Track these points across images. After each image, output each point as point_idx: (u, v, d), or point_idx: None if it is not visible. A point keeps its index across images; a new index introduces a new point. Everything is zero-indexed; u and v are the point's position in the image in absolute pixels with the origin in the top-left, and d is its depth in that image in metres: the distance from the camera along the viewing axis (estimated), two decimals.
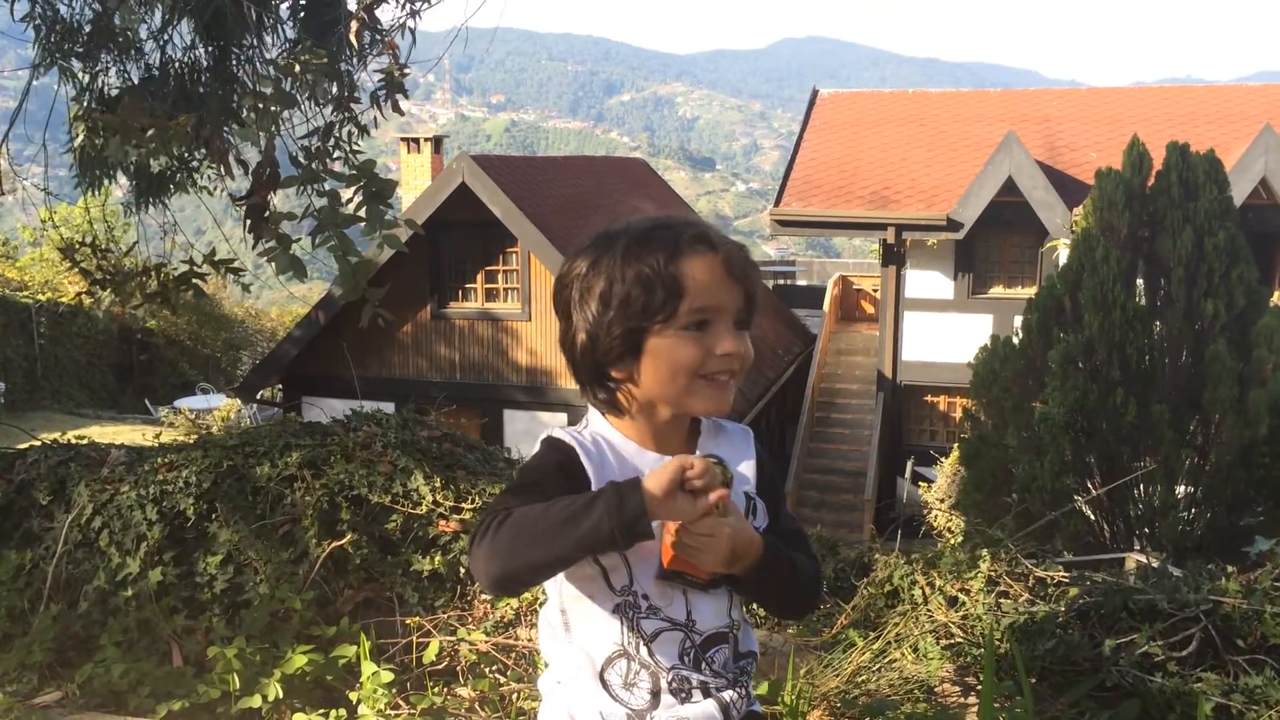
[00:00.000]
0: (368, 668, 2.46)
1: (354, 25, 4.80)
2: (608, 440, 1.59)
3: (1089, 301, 10.20)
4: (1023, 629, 2.35)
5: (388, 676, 2.45)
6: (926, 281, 17.32)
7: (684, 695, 1.58)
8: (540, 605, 1.70)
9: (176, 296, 4.85)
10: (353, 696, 2.49)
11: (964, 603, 2.55)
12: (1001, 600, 2.55)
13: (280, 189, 3.93)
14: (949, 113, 19.41)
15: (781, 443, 19.04)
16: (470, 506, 2.89)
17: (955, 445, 13.87)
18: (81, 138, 5.05)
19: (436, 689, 2.51)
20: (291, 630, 2.70)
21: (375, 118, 5.13)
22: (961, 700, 2.40)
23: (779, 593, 1.62)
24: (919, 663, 2.43)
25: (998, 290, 17.10)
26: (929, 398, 17.74)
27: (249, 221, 3.80)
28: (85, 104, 5.09)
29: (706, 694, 1.59)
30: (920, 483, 15.30)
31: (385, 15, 5.50)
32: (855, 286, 21.76)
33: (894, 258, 17.20)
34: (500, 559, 1.40)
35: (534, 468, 1.55)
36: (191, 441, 3.33)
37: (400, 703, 2.47)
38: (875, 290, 20.18)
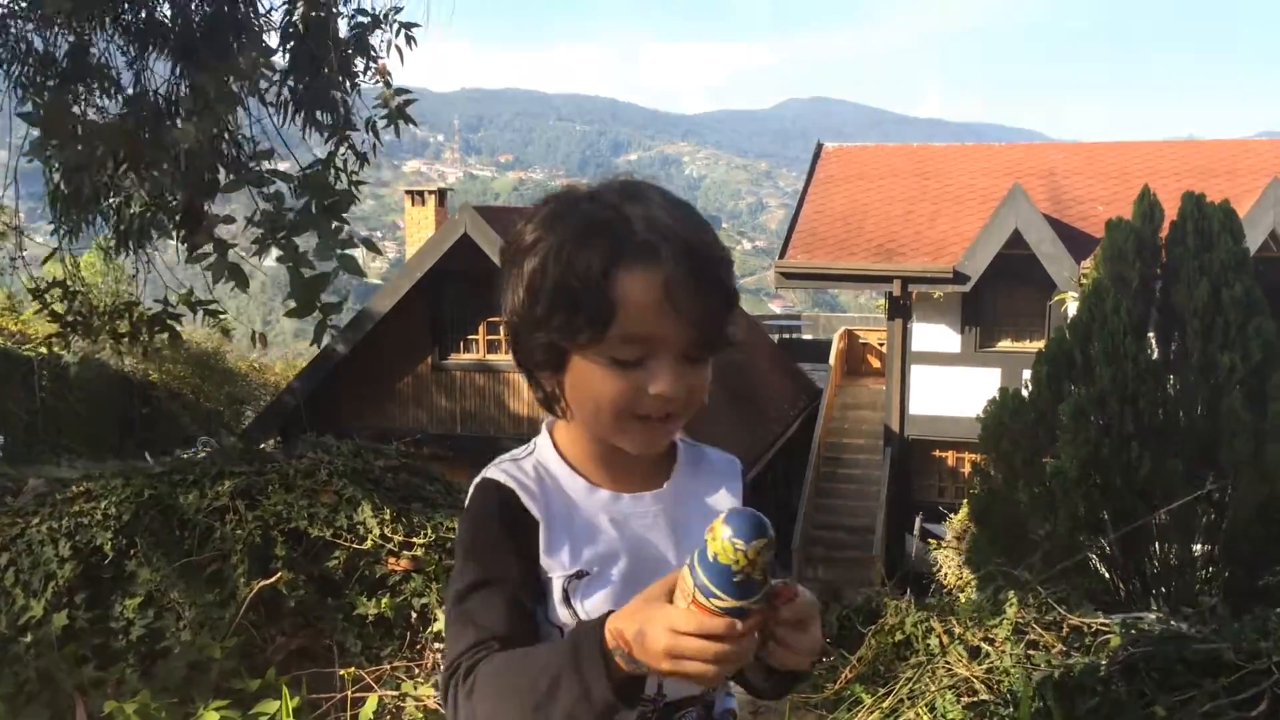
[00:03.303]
0: None
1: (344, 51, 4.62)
2: (551, 474, 1.29)
3: (1101, 353, 9.98)
4: (1059, 685, 2.02)
5: None
6: (933, 335, 17.08)
7: None
8: None
9: (150, 338, 4.58)
10: None
11: (988, 654, 2.21)
12: (1031, 652, 2.23)
13: (223, 193, 3.65)
14: (953, 166, 19.30)
15: (787, 499, 18.66)
16: (422, 541, 2.58)
17: (964, 501, 13.53)
18: (58, 178, 4.83)
19: None
20: (209, 683, 2.37)
21: (375, 145, 4.94)
22: None
23: (769, 680, 1.30)
24: None
25: (1005, 344, 16.84)
26: (937, 453, 17.39)
27: (183, 228, 3.52)
28: (59, 143, 4.88)
29: None
30: (929, 539, 14.91)
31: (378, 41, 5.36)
32: (861, 340, 21.52)
33: (900, 311, 16.97)
34: None
35: (470, 528, 1.28)
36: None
37: None
38: (881, 344, 19.94)
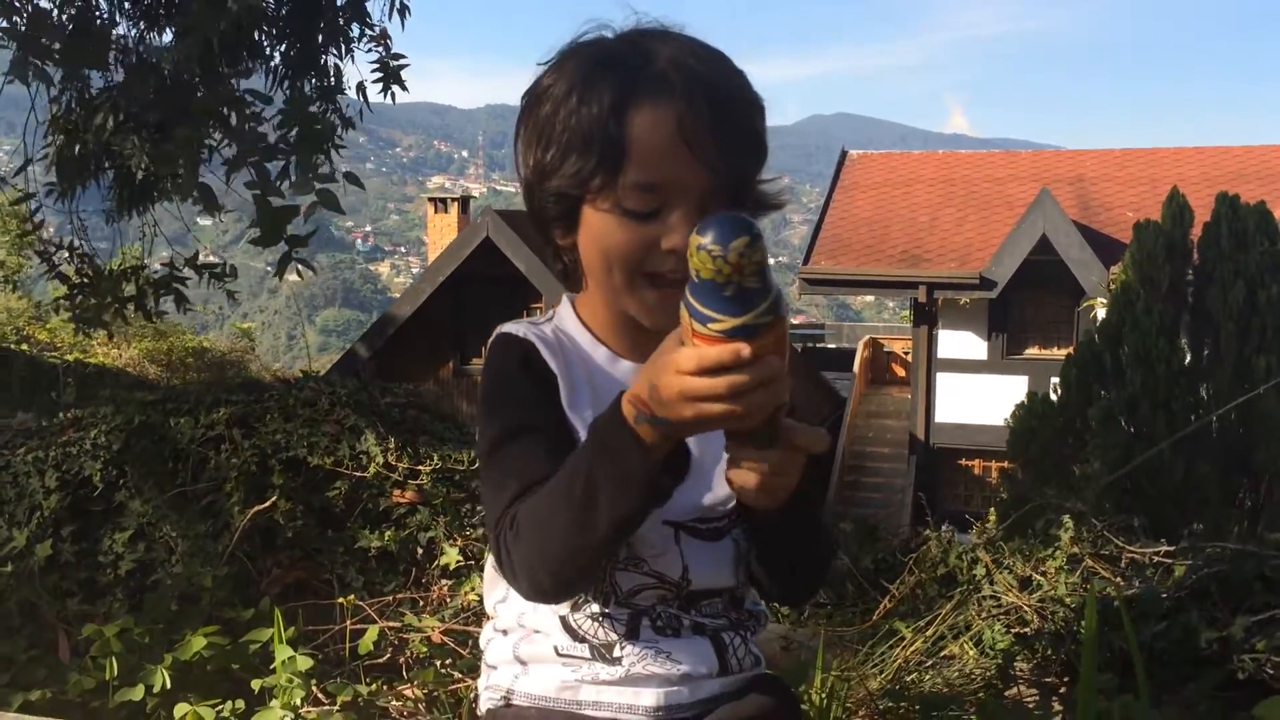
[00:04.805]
0: (282, 652, 2.00)
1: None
2: (571, 338, 1.18)
3: (1131, 357, 9.80)
4: (1120, 612, 1.85)
5: (306, 663, 1.97)
6: (959, 342, 16.88)
7: (670, 632, 1.17)
8: None
9: (155, 301, 4.50)
10: (256, 685, 2.02)
11: (1040, 584, 2.05)
12: (1087, 584, 2.06)
13: (195, 114, 3.52)
14: (979, 173, 19.11)
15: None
16: (429, 470, 2.44)
17: (991, 510, 13.32)
18: (60, 141, 4.77)
19: (374, 685, 2.04)
20: (199, 613, 2.24)
21: (362, 110, 4.86)
22: (1040, 702, 1.90)
23: (801, 547, 1.17)
24: (984, 659, 1.94)
25: (1033, 351, 16.63)
26: (963, 461, 17.16)
27: (148, 145, 3.40)
28: (64, 106, 4.84)
29: (700, 632, 1.18)
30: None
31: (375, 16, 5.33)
32: (885, 348, 21.32)
33: (925, 317, 16.79)
34: (539, 572, 1.05)
35: (495, 380, 1.18)
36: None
37: (320, 696, 2.00)
38: (906, 353, 19.74)
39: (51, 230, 5.08)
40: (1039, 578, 2.07)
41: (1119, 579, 2.09)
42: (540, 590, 1.07)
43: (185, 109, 3.52)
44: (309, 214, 3.37)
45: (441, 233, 21.16)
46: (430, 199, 22.59)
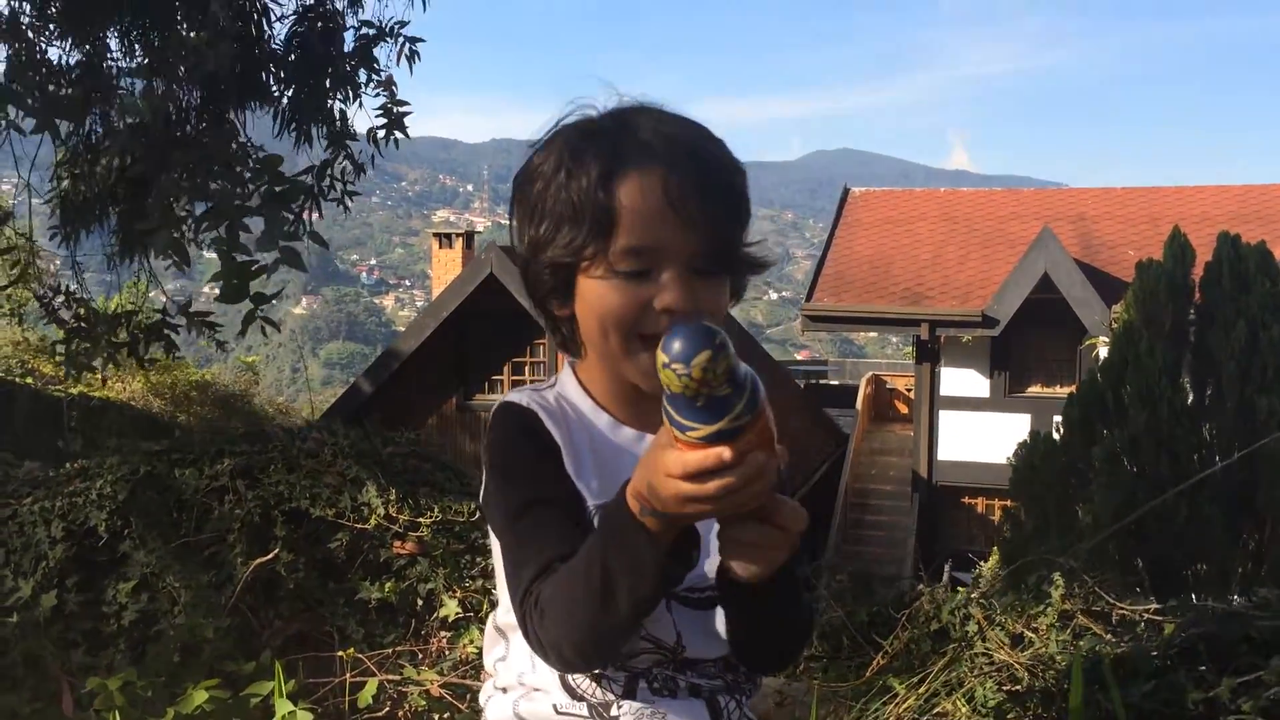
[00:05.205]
0: (282, 707, 2.02)
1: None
2: (574, 405, 1.22)
3: (1134, 396, 9.81)
4: (1111, 669, 1.87)
5: (306, 718, 2.00)
6: (962, 380, 16.89)
7: (667, 693, 1.20)
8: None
9: (146, 348, 4.55)
10: None
11: (1032, 641, 2.07)
12: (1079, 640, 2.08)
13: (174, 166, 3.56)
14: (981, 211, 19.20)
15: (813, 546, 18.40)
16: (429, 522, 2.47)
17: (995, 548, 13.27)
18: (65, 186, 4.82)
19: None
20: (201, 665, 2.26)
21: (374, 156, 4.92)
22: None
23: (777, 619, 1.18)
24: (977, 716, 1.95)
25: (1035, 389, 16.62)
26: (966, 499, 17.10)
27: (131, 200, 3.44)
28: (70, 152, 4.88)
29: (697, 694, 1.21)
30: (958, 588, 14.61)
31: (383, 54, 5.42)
32: (888, 385, 21.32)
33: (928, 355, 16.81)
34: (566, 650, 1.09)
35: (502, 451, 1.20)
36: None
37: None
38: (908, 390, 19.74)
39: (56, 265, 5.11)
40: (1030, 635, 2.09)
41: (1109, 636, 2.10)
42: (569, 665, 1.12)
43: (160, 158, 3.58)
44: (272, 270, 3.41)
45: (446, 268, 21.22)
46: (435, 234, 22.69)
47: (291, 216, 3.72)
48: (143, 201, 3.64)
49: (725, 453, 0.90)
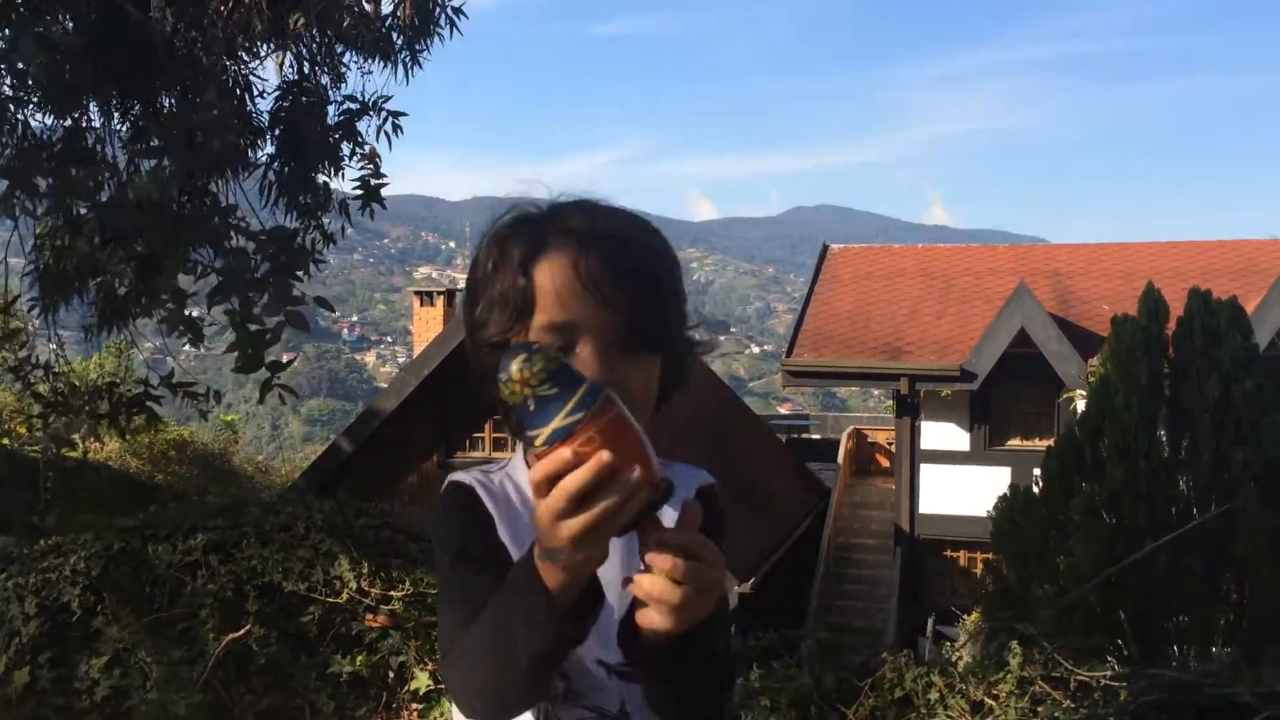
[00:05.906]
0: None
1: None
2: (518, 486, 1.28)
3: (1111, 450, 9.89)
4: None
5: None
6: (942, 433, 16.98)
7: None
8: None
9: (128, 420, 4.55)
10: None
11: (991, 708, 2.10)
12: (1038, 707, 2.11)
13: (184, 244, 3.62)
14: (958, 267, 19.43)
15: (796, 601, 18.30)
16: (400, 595, 2.49)
17: (978, 602, 13.27)
18: (46, 257, 4.83)
19: None
20: None
21: (344, 227, 4.97)
22: None
23: (688, 677, 1.14)
24: None
25: (1014, 442, 16.72)
26: (948, 552, 17.11)
27: (141, 280, 3.49)
28: (49, 226, 4.89)
29: None
30: (941, 641, 14.56)
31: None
32: (869, 439, 21.38)
33: (908, 409, 16.91)
34: (472, 698, 1.13)
35: (445, 524, 1.28)
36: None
37: None
38: (890, 443, 19.80)
39: (33, 328, 5.11)
40: (990, 702, 2.13)
41: (1068, 702, 2.14)
42: (475, 713, 1.14)
43: (167, 235, 3.64)
44: (277, 335, 3.47)
45: (427, 325, 21.27)
46: (416, 292, 22.79)
47: (294, 285, 3.79)
48: (148, 278, 3.70)
49: (564, 451, 0.93)
